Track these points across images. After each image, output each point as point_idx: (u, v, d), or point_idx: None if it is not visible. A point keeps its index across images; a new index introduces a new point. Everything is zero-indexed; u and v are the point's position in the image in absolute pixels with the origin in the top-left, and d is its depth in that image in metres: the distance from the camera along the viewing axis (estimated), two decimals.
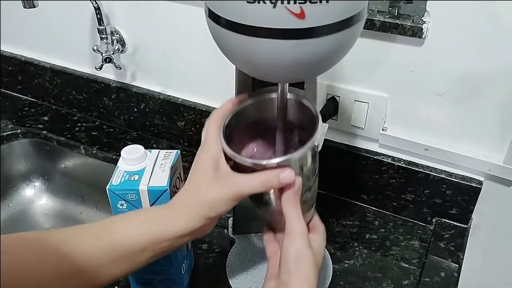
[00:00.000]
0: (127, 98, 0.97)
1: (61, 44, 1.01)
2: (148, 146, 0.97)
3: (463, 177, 0.74)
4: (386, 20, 0.66)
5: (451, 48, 0.66)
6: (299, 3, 0.37)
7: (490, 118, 0.69)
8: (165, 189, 0.57)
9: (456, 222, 0.78)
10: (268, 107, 0.55)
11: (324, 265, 0.70)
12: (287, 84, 0.50)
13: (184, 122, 0.94)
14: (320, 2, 0.38)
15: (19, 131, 1.01)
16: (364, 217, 0.81)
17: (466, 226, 0.78)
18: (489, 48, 0.63)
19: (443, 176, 0.75)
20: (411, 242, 0.76)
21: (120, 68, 0.93)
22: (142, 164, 0.60)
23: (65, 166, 1.00)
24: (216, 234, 0.77)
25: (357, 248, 0.75)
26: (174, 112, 0.93)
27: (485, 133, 0.70)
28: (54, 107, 1.09)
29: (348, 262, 0.73)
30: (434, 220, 0.79)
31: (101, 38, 0.88)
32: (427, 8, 0.64)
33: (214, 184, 0.49)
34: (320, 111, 0.75)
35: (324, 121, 0.74)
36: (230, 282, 0.67)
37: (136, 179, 0.58)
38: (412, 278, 0.70)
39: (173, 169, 0.60)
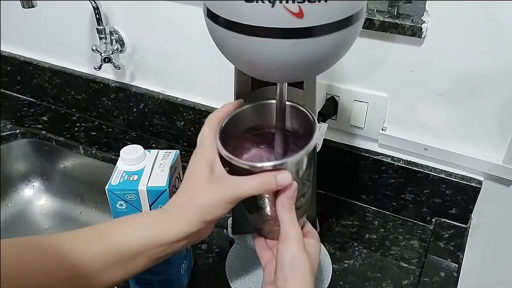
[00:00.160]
0: (126, 98, 0.97)
1: (60, 44, 1.01)
2: (147, 146, 0.97)
3: (463, 177, 0.74)
4: (386, 19, 0.66)
5: (451, 48, 0.66)
6: (298, 2, 0.37)
7: (489, 118, 0.69)
8: (164, 189, 0.57)
9: (455, 222, 0.78)
10: (266, 113, 0.55)
11: (324, 265, 0.70)
12: (286, 84, 0.50)
13: (183, 122, 0.94)
14: (319, 1, 0.38)
15: (18, 131, 1.01)
16: (364, 217, 0.81)
17: (465, 226, 0.78)
18: (488, 48, 0.63)
19: (442, 176, 0.75)
20: (411, 242, 0.76)
21: (119, 68, 0.93)
22: (141, 164, 0.60)
23: (64, 166, 1.00)
24: (215, 234, 0.77)
25: (356, 248, 0.75)
26: (174, 112, 0.93)
27: (484, 132, 0.70)
28: (53, 107, 1.09)
29: (347, 262, 0.73)
30: (433, 220, 0.79)
31: (100, 38, 0.88)
32: (426, 8, 0.64)
33: (209, 186, 0.48)
34: (319, 111, 0.75)
35: (323, 121, 0.74)
36: (229, 282, 0.67)
37: (135, 179, 0.58)
38: (412, 278, 0.70)
39: (172, 169, 0.60)
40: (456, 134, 0.72)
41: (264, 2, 0.38)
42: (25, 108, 1.09)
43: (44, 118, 1.05)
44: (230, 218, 0.76)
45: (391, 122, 0.76)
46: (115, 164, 0.60)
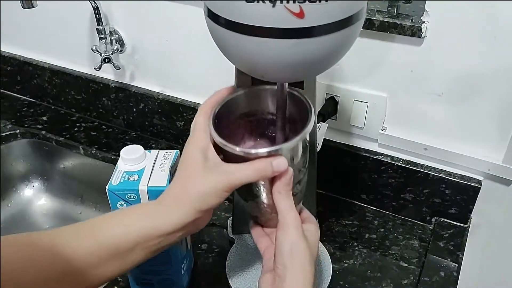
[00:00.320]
0: (126, 98, 0.97)
1: (60, 44, 1.01)
2: (147, 146, 0.97)
3: (463, 177, 0.74)
4: (385, 19, 0.66)
5: (450, 48, 0.66)
6: (299, 2, 0.37)
7: (489, 118, 0.69)
8: (165, 189, 0.57)
9: (455, 221, 0.78)
10: (260, 98, 0.54)
11: (324, 265, 0.70)
12: (286, 84, 0.50)
13: (183, 122, 0.94)
14: (320, 1, 0.38)
15: (18, 131, 1.01)
16: (364, 216, 0.82)
17: (465, 226, 0.78)
18: (488, 48, 0.63)
19: (442, 175, 0.75)
20: (411, 242, 0.77)
21: (119, 68, 0.93)
22: (141, 164, 0.60)
23: (64, 166, 1.00)
24: (215, 234, 0.77)
25: (356, 248, 0.75)
26: (173, 112, 0.93)
27: (484, 132, 0.71)
28: (53, 107, 1.09)
29: (347, 261, 0.73)
30: (433, 219, 0.79)
31: (100, 38, 0.88)
32: (426, 8, 0.64)
33: (204, 175, 0.47)
34: (319, 111, 0.75)
35: (323, 121, 0.75)
36: (229, 282, 0.67)
37: (135, 179, 0.58)
38: (412, 278, 0.70)
39: (173, 169, 0.60)
40: (456, 134, 0.72)
41: (265, 2, 0.38)
42: (25, 108, 1.09)
43: (44, 118, 1.05)
44: (230, 218, 0.76)
45: (391, 122, 0.76)
46: (115, 164, 0.60)
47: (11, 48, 1.08)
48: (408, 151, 0.77)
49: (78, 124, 1.03)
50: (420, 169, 0.76)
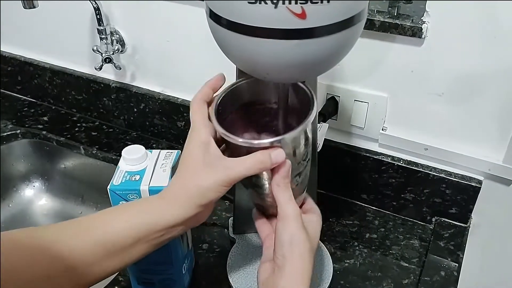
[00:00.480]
0: (126, 98, 0.97)
1: (61, 44, 1.01)
2: (148, 146, 0.96)
3: (463, 177, 0.75)
4: (386, 20, 0.66)
5: (451, 48, 0.66)
6: (300, 3, 0.38)
7: (489, 118, 0.69)
8: None
9: (455, 221, 0.78)
10: (261, 88, 0.53)
11: (324, 265, 0.70)
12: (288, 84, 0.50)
13: (184, 122, 0.94)
14: (321, 2, 0.38)
15: (18, 131, 1.01)
16: (364, 216, 0.82)
17: (465, 225, 0.78)
18: (488, 48, 0.64)
19: (442, 175, 0.75)
20: (411, 241, 0.77)
21: (120, 69, 0.93)
22: (143, 164, 0.60)
23: (65, 166, 1.00)
24: (216, 234, 0.77)
25: (357, 248, 0.76)
26: (174, 112, 0.93)
27: (484, 132, 0.71)
28: (53, 108, 1.09)
29: (348, 261, 0.73)
30: (433, 219, 0.79)
31: (101, 39, 0.88)
32: (426, 8, 0.65)
33: (204, 170, 0.48)
34: (320, 111, 0.75)
35: (324, 121, 0.75)
36: (230, 281, 0.67)
37: (137, 179, 0.58)
38: (412, 277, 0.70)
39: (174, 169, 0.60)
40: (456, 134, 0.73)
41: (266, 3, 0.38)
42: (26, 109, 1.09)
43: (45, 118, 1.05)
44: (231, 218, 0.76)
45: (392, 122, 0.76)
46: (115, 164, 0.60)
47: (11, 48, 1.08)
48: (409, 151, 0.77)
49: (78, 124, 1.04)
50: (421, 169, 0.76)
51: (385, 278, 0.70)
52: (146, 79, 0.95)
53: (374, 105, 0.75)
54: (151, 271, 0.64)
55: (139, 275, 0.65)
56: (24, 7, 0.78)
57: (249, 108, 0.55)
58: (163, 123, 0.96)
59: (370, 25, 0.67)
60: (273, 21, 0.39)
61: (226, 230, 0.77)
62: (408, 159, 0.78)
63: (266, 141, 0.47)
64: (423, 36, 0.66)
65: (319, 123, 0.72)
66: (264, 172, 0.49)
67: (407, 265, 0.73)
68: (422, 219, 0.80)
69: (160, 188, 0.57)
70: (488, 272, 0.86)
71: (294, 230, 0.48)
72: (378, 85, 0.73)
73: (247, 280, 0.67)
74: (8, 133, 1.00)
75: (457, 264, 0.72)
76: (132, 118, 1.00)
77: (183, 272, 0.66)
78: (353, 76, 0.74)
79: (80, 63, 1.01)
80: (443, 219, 0.79)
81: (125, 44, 0.91)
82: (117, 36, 0.90)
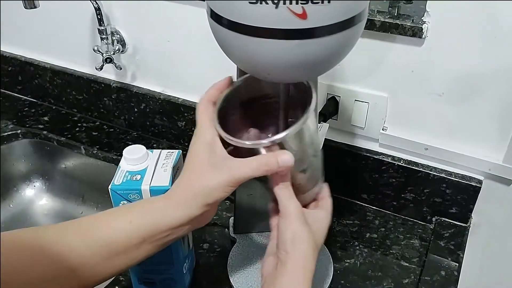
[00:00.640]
0: (127, 98, 0.97)
1: (61, 44, 1.01)
2: (148, 146, 0.96)
3: (463, 176, 0.75)
4: (386, 20, 0.66)
5: (451, 48, 0.66)
6: (301, 3, 0.38)
7: (489, 118, 0.69)
8: (167, 189, 0.57)
9: (456, 221, 0.78)
10: (261, 83, 0.53)
11: (325, 264, 0.70)
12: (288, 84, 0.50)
13: (184, 122, 0.94)
14: (322, 2, 0.38)
15: (19, 131, 1.01)
16: (365, 216, 0.82)
17: (466, 225, 0.78)
18: (488, 48, 0.64)
19: (443, 175, 0.75)
20: (411, 241, 0.77)
21: (121, 69, 0.93)
22: (144, 164, 0.60)
23: (66, 166, 1.00)
24: (217, 234, 0.77)
25: (357, 247, 0.76)
26: (175, 112, 0.93)
27: (484, 132, 0.71)
28: (54, 108, 1.09)
29: (348, 261, 0.73)
30: (434, 219, 0.79)
31: (102, 39, 0.88)
32: (427, 8, 0.65)
33: (209, 170, 0.48)
34: (320, 111, 0.75)
35: (324, 121, 0.75)
36: (231, 281, 0.67)
37: (138, 179, 0.58)
38: (413, 277, 0.71)
39: (175, 169, 0.60)
40: (456, 134, 0.73)
41: (267, 3, 0.38)
42: (26, 109, 1.09)
43: (45, 118, 1.06)
44: (232, 218, 0.76)
45: (392, 122, 0.76)
46: (116, 164, 0.60)
47: (12, 48, 1.08)
48: (409, 151, 0.77)
49: (79, 124, 1.04)
50: (421, 169, 0.76)
51: (385, 278, 0.70)
52: (146, 79, 0.95)
53: (375, 105, 0.75)
54: (152, 271, 0.64)
55: (140, 275, 0.65)
56: (25, 7, 0.78)
57: (253, 105, 0.55)
58: (163, 123, 0.97)
59: (371, 25, 0.67)
60: (274, 21, 0.39)
61: (226, 230, 0.78)
62: (409, 159, 0.78)
63: (266, 141, 0.47)
64: (423, 36, 0.66)
65: (319, 123, 0.72)
66: None
67: (407, 264, 0.73)
68: (423, 219, 0.80)
69: (161, 187, 0.57)
70: (488, 272, 0.86)
71: (296, 228, 0.48)
72: (379, 85, 0.74)
73: (248, 279, 0.67)
74: (9, 133, 1.00)
75: (457, 264, 0.72)
76: (132, 118, 1.00)
77: (184, 272, 0.66)
78: (354, 76, 0.75)
79: (80, 63, 1.01)
80: (443, 218, 0.79)
81: (125, 44, 0.92)
82: (118, 36, 0.90)
